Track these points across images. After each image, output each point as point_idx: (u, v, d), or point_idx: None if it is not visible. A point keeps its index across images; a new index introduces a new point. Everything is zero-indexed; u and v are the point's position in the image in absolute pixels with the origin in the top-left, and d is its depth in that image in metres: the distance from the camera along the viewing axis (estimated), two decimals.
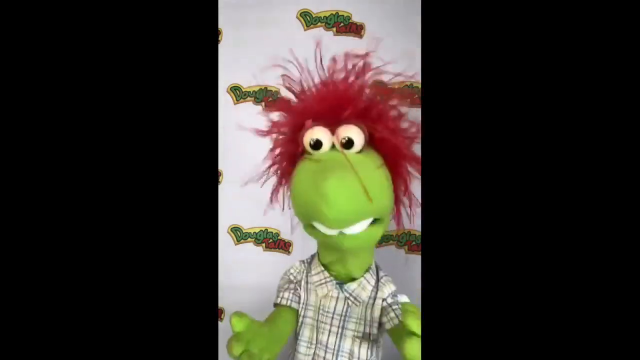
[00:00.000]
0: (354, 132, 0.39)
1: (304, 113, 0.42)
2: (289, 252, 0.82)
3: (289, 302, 0.50)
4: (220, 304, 0.83)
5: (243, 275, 0.80)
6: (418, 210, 0.46)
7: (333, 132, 0.40)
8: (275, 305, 0.50)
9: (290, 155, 0.45)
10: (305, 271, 0.51)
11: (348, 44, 0.75)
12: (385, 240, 0.76)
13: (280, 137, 0.46)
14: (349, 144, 0.39)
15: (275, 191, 0.51)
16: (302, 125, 0.41)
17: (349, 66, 0.42)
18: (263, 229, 0.82)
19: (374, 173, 0.39)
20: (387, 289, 0.49)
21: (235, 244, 0.83)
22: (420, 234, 0.75)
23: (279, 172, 0.49)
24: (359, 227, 0.39)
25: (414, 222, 0.48)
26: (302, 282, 0.51)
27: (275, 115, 0.46)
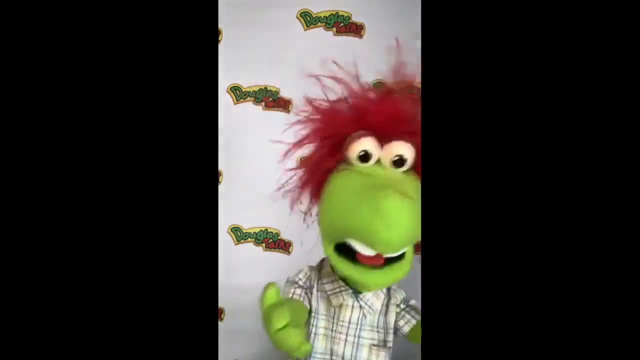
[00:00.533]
0: (407, 150, 0.37)
1: (354, 122, 0.39)
2: (289, 252, 0.82)
3: (301, 298, 0.47)
4: (220, 304, 0.83)
5: (243, 275, 0.80)
6: None
7: (382, 146, 0.38)
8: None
9: (325, 165, 0.42)
10: (315, 278, 0.48)
11: (348, 44, 0.75)
12: None
13: (318, 144, 0.43)
14: (400, 162, 0.38)
15: (297, 199, 0.47)
16: (346, 134, 0.39)
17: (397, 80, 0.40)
18: (263, 229, 0.82)
19: (419, 197, 0.38)
20: (399, 295, 0.48)
21: (235, 244, 0.83)
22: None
23: (308, 181, 0.45)
24: (398, 253, 0.38)
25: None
26: (314, 290, 0.48)
27: (308, 123, 0.43)
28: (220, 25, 0.80)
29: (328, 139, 0.41)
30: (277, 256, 0.82)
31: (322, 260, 0.50)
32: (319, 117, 0.42)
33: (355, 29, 0.76)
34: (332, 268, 0.47)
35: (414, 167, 0.40)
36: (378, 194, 0.34)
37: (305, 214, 0.48)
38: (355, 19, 0.76)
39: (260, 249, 0.83)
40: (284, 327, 0.32)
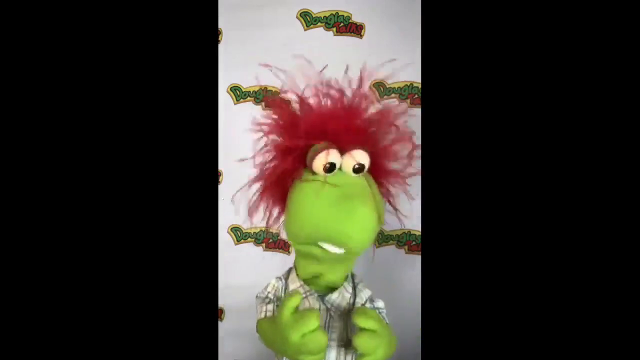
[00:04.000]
0: (365, 158, 0.41)
1: (314, 132, 0.41)
2: (288, 252, 0.82)
3: (274, 314, 0.47)
4: (220, 304, 0.83)
5: (243, 275, 0.80)
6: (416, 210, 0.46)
7: (342, 155, 0.41)
8: (260, 321, 0.46)
9: (284, 173, 0.44)
10: (282, 288, 0.49)
11: (348, 44, 0.75)
12: (385, 240, 0.76)
13: (277, 152, 0.45)
14: (360, 169, 0.41)
15: (257, 205, 0.49)
16: (309, 144, 0.41)
17: (352, 88, 0.42)
18: (263, 229, 0.82)
19: (378, 196, 0.42)
20: (364, 294, 0.49)
21: (235, 244, 0.83)
22: (420, 234, 0.75)
23: (267, 187, 0.47)
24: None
25: (404, 224, 0.49)
26: (282, 300, 0.48)
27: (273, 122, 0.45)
28: (220, 25, 0.80)
29: (291, 150, 0.43)
30: (277, 256, 0.82)
31: (289, 270, 0.51)
32: (281, 124, 0.45)
33: (355, 29, 0.76)
34: (297, 272, 0.49)
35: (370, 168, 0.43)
36: (352, 203, 0.38)
37: (268, 220, 0.50)
38: (355, 19, 0.76)
39: (260, 249, 0.83)
40: (315, 329, 0.34)
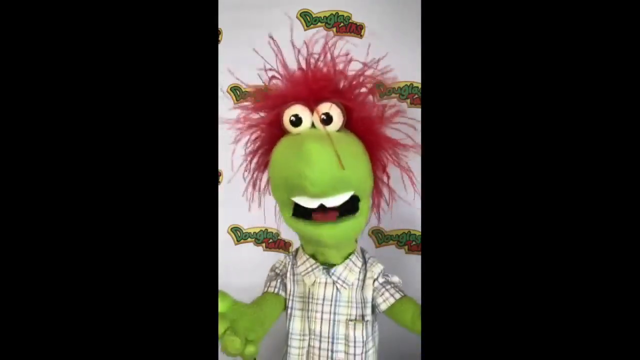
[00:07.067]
0: (333, 109, 0.41)
1: (282, 97, 0.44)
2: (289, 252, 0.82)
3: (275, 289, 0.50)
4: None
5: (243, 275, 0.80)
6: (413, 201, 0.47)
7: (312, 111, 0.42)
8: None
9: (270, 139, 0.46)
10: (290, 263, 0.51)
11: (348, 44, 0.75)
12: (385, 240, 0.76)
13: (259, 123, 0.47)
14: (328, 120, 0.41)
15: (254, 180, 0.51)
16: (282, 109, 0.42)
17: (326, 54, 0.44)
18: (263, 229, 0.82)
19: (350, 146, 0.41)
20: (377, 268, 0.49)
21: (235, 244, 0.83)
22: (420, 234, 0.75)
23: (259, 158, 0.50)
24: (340, 200, 0.40)
25: (391, 207, 0.50)
26: (288, 274, 0.50)
27: (250, 105, 0.48)
28: (220, 26, 0.80)
29: (267, 114, 0.46)
30: (277, 256, 0.82)
31: (298, 248, 0.53)
32: (255, 96, 0.47)
33: (355, 29, 0.76)
34: (303, 249, 0.50)
35: (352, 128, 0.44)
36: (298, 144, 0.37)
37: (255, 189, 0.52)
38: (355, 19, 0.76)
39: (260, 249, 0.83)
40: (224, 332, 0.33)
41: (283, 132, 0.44)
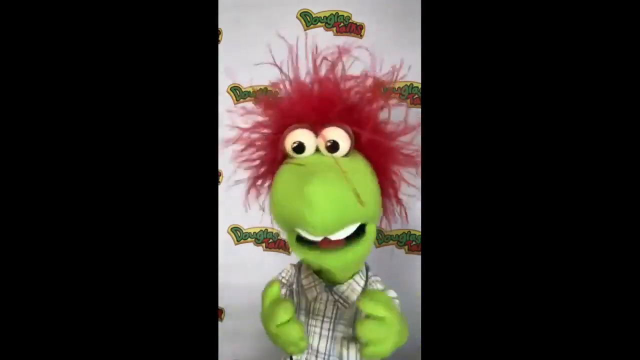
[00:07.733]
0: (340, 135, 0.38)
1: (286, 114, 0.40)
2: (289, 252, 0.82)
3: (286, 297, 0.48)
4: (220, 304, 0.83)
5: (243, 275, 0.80)
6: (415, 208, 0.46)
7: (317, 134, 0.38)
8: None
9: (270, 160, 0.43)
10: (295, 274, 0.49)
11: (348, 44, 0.75)
12: (385, 240, 0.76)
13: (260, 139, 0.44)
14: (334, 147, 0.38)
15: (249, 194, 0.49)
16: (284, 128, 0.39)
17: (335, 65, 0.41)
18: (263, 229, 0.82)
19: (363, 177, 0.38)
20: (376, 288, 0.47)
21: (235, 244, 0.83)
22: (420, 234, 0.75)
23: (256, 176, 0.47)
24: (346, 233, 0.38)
25: (406, 220, 0.47)
26: (294, 286, 0.49)
27: (257, 115, 0.44)
28: (220, 26, 0.80)
29: (270, 132, 0.43)
30: (277, 256, 0.82)
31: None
32: (262, 107, 0.44)
33: (355, 29, 0.76)
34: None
35: (360, 150, 0.40)
36: (302, 181, 0.34)
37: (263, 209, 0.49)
38: (355, 19, 0.76)
39: (260, 249, 0.83)
40: (288, 320, 0.33)
41: (285, 156, 0.40)
